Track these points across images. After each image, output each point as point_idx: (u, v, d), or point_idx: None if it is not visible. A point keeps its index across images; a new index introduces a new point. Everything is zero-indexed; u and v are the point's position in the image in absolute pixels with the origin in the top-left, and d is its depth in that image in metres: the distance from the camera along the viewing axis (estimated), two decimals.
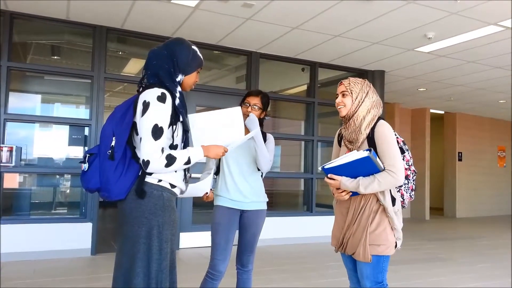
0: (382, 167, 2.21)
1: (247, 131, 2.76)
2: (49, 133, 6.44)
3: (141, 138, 1.99)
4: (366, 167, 2.18)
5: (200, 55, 2.25)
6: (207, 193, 2.59)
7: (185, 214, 6.23)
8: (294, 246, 6.66)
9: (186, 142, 2.19)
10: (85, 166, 2.05)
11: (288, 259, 5.72)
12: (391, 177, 2.18)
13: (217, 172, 2.95)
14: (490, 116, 12.66)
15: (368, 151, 2.13)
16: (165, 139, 2.01)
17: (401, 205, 2.38)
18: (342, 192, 2.29)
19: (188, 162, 2.08)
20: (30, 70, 5.80)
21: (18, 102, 5.89)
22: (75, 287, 4.21)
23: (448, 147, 12.35)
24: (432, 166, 11.88)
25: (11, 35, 5.35)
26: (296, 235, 6.96)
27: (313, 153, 7.34)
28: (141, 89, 2.12)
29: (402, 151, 2.34)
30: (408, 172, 2.40)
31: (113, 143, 2.02)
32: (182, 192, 2.23)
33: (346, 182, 2.23)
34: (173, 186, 2.11)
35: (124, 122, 2.04)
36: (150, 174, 2.03)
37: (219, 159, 2.91)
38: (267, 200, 2.99)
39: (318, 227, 6.99)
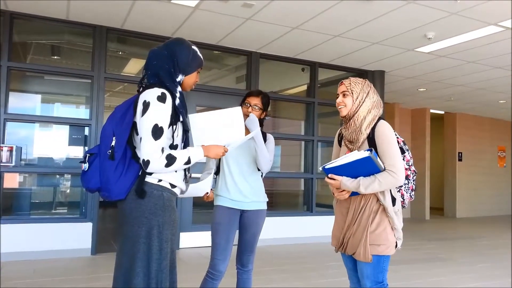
0: (383, 167, 2.21)
1: (247, 131, 2.76)
2: (49, 133, 6.44)
3: (141, 138, 1.99)
4: (367, 167, 2.18)
5: (200, 55, 2.25)
6: (207, 193, 2.59)
7: (185, 214, 6.23)
8: (294, 246, 6.66)
9: (186, 142, 2.20)
10: (85, 166, 2.05)
11: (288, 259, 5.72)
12: (392, 177, 2.18)
13: (217, 172, 2.95)
14: (490, 116, 12.67)
15: (368, 151, 2.13)
16: (165, 139, 2.01)
17: (401, 205, 2.38)
18: (342, 191, 2.29)
19: (188, 162, 2.08)
20: (30, 70, 5.80)
21: (18, 102, 5.89)
22: (75, 287, 4.21)
23: (448, 147, 12.35)
24: (432, 166, 11.88)
25: (11, 35, 5.35)
26: (296, 235, 6.96)
27: (313, 153, 7.34)
28: (141, 89, 2.13)
29: (402, 151, 2.35)
30: (408, 172, 2.40)
31: (113, 143, 2.02)
32: (182, 192, 2.23)
33: (347, 182, 2.23)
34: (173, 186, 2.11)
35: (124, 122, 2.04)
36: (150, 174, 2.03)
37: (219, 159, 2.91)
38: (267, 200, 2.99)
39: (318, 227, 6.99)
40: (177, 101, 2.10)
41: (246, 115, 2.86)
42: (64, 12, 5.28)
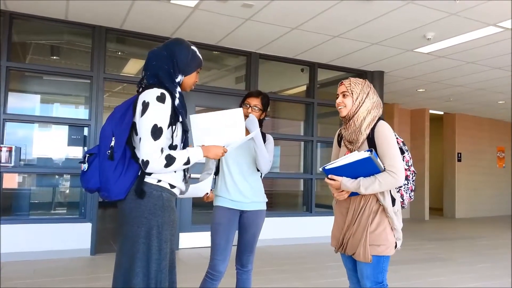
0: (383, 168, 2.21)
1: (247, 132, 2.76)
2: (48, 133, 6.43)
3: (140, 138, 1.99)
4: (367, 168, 2.18)
5: (199, 55, 2.25)
6: (207, 193, 2.59)
7: (184, 214, 6.23)
8: (293, 247, 6.66)
9: (185, 143, 2.20)
10: (84, 166, 2.05)
11: (288, 259, 5.72)
12: (392, 178, 2.18)
13: (216, 173, 2.95)
14: (489, 116, 12.68)
15: (369, 152, 2.13)
16: (164, 139, 2.01)
17: (401, 205, 2.38)
18: (341, 191, 2.29)
19: (188, 162, 2.08)
20: (29, 70, 5.80)
21: (17, 102, 5.89)
22: (74, 287, 4.21)
23: (447, 148, 12.36)
24: (432, 167, 11.89)
25: (11, 35, 5.35)
26: (295, 236, 6.95)
27: (312, 153, 7.34)
28: (140, 89, 2.13)
29: (402, 152, 2.35)
30: (408, 173, 2.40)
31: (112, 143, 2.02)
32: (181, 192, 2.23)
33: (347, 183, 2.23)
34: (172, 186, 2.11)
35: (123, 122, 2.04)
36: (150, 174, 2.03)
37: (219, 160, 2.91)
38: (267, 200, 2.99)
39: (318, 228, 6.99)
40: (177, 101, 2.10)
41: (245, 116, 2.86)
42: (63, 12, 5.28)
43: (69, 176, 6.24)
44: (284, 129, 8.72)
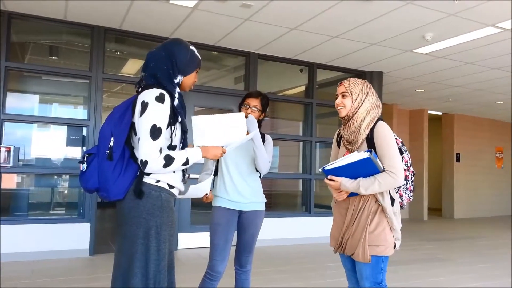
0: (382, 168, 2.21)
1: (246, 132, 2.76)
2: (47, 134, 6.42)
3: (139, 138, 1.99)
4: (367, 168, 2.19)
5: (198, 55, 2.25)
6: (207, 194, 2.59)
7: (183, 215, 6.22)
8: (292, 247, 6.66)
9: (184, 143, 2.19)
10: (83, 166, 2.05)
11: (287, 260, 5.72)
12: (391, 178, 2.18)
13: (215, 173, 2.95)
14: (488, 117, 12.69)
15: (368, 152, 2.13)
16: (163, 140, 2.01)
17: (400, 206, 2.39)
18: (340, 192, 2.29)
19: (186, 163, 2.08)
20: (28, 70, 5.79)
21: (16, 102, 5.88)
22: (73, 287, 4.21)
23: (446, 148, 12.37)
24: (430, 167, 11.90)
25: (9, 35, 5.34)
26: (294, 236, 6.95)
27: (311, 154, 7.34)
28: (139, 89, 2.12)
29: (401, 152, 2.35)
30: (407, 173, 2.40)
31: (111, 143, 2.02)
32: (181, 192, 2.23)
33: (347, 184, 2.23)
34: (171, 186, 2.11)
35: (122, 122, 2.03)
36: (148, 174, 2.03)
37: (218, 160, 2.91)
38: (266, 200, 2.99)
39: (317, 228, 6.99)
40: (176, 101, 2.11)
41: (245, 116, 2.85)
42: (62, 12, 5.27)
43: (67, 176, 6.23)
44: (283, 129, 8.72)
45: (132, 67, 7.31)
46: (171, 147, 2.09)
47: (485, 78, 7.83)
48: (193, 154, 2.12)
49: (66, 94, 6.56)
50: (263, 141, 2.91)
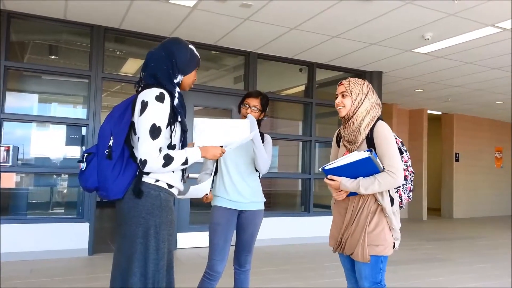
0: (382, 168, 2.21)
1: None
2: (46, 133, 6.41)
3: (138, 138, 1.99)
4: (367, 168, 2.19)
5: (197, 54, 2.26)
6: (206, 194, 2.59)
7: (182, 214, 6.22)
8: (291, 247, 6.66)
9: (184, 143, 2.19)
10: (83, 165, 2.05)
11: (286, 259, 5.72)
12: (391, 178, 2.18)
13: (215, 173, 2.95)
14: (488, 117, 12.70)
15: (368, 152, 2.13)
16: (163, 139, 2.01)
17: (399, 205, 2.38)
18: (340, 191, 2.29)
19: (186, 162, 2.08)
20: (28, 70, 5.78)
21: (15, 101, 5.87)
22: (73, 287, 4.20)
23: (445, 148, 12.37)
24: (430, 167, 11.89)
25: (9, 35, 5.34)
26: (293, 236, 6.95)
27: (310, 153, 7.34)
28: (139, 89, 2.12)
29: (401, 152, 2.35)
30: (406, 173, 2.40)
31: (111, 143, 2.01)
32: (180, 193, 2.23)
33: (346, 183, 2.23)
34: (170, 186, 2.11)
35: (122, 122, 2.03)
36: (148, 173, 2.03)
37: (217, 160, 2.91)
38: (265, 200, 2.99)
39: (316, 228, 6.99)
40: (176, 101, 2.11)
41: (244, 116, 2.87)
42: (61, 11, 5.27)
43: (67, 175, 6.22)
44: (282, 129, 8.72)
45: (132, 66, 7.30)
46: (171, 147, 2.09)
47: (484, 78, 7.83)
48: (193, 154, 2.12)
49: (65, 94, 6.54)
50: (263, 141, 2.90)
